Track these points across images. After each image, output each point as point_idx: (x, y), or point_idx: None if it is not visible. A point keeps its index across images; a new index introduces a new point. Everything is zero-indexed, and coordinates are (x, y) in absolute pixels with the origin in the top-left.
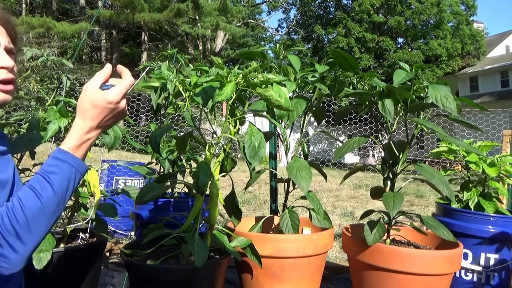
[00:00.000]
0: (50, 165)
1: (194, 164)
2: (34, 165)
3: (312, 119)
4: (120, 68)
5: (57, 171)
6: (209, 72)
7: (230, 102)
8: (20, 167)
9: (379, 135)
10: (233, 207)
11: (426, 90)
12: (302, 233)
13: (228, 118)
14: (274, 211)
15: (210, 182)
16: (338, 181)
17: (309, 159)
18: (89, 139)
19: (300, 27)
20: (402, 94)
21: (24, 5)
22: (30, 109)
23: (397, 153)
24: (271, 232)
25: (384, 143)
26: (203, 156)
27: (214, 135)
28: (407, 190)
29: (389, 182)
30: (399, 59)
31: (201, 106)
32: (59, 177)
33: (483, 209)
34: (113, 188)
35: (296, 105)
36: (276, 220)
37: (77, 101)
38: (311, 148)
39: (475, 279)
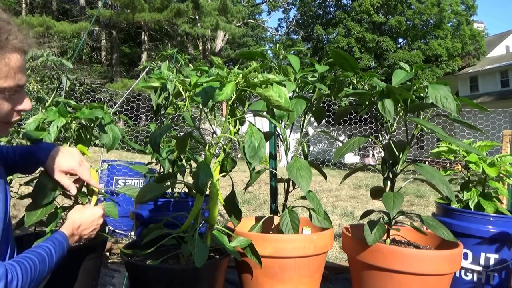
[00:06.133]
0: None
1: (194, 164)
2: None
3: (312, 119)
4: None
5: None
6: (209, 72)
7: (230, 102)
8: None
9: (379, 135)
10: (233, 207)
11: (426, 90)
12: (302, 233)
13: (228, 118)
14: (274, 211)
15: (210, 182)
16: (338, 181)
17: (309, 159)
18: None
19: (300, 27)
20: (402, 94)
21: (24, 5)
22: None
23: (397, 153)
24: (271, 232)
25: (384, 143)
26: (203, 156)
27: (214, 135)
28: (407, 190)
29: (389, 182)
30: (399, 59)
31: (201, 106)
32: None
33: (483, 209)
34: (113, 188)
35: (296, 105)
36: (276, 220)
37: (76, 101)
38: (311, 148)
39: (475, 279)
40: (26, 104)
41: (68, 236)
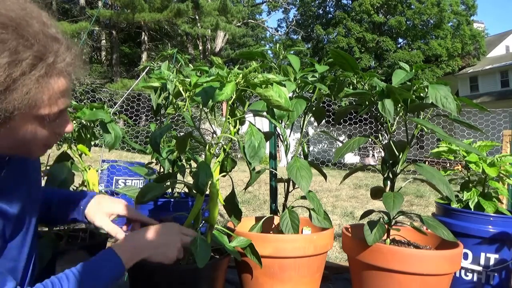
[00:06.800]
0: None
1: (194, 164)
2: None
3: (312, 119)
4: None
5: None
6: (209, 72)
7: (230, 102)
8: None
9: (379, 135)
10: (233, 207)
11: (426, 90)
12: (302, 233)
13: (228, 118)
14: (274, 211)
15: (210, 182)
16: (338, 181)
17: (309, 159)
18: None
19: (300, 27)
20: (402, 94)
21: None
22: None
23: (397, 153)
24: (271, 232)
25: (384, 143)
26: (203, 156)
27: (214, 135)
28: (407, 190)
29: (389, 182)
30: (399, 59)
31: (201, 106)
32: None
33: (483, 209)
34: (113, 188)
35: (296, 105)
36: (276, 220)
37: (76, 101)
38: (311, 148)
39: (475, 279)
40: (68, 127)
41: (120, 253)
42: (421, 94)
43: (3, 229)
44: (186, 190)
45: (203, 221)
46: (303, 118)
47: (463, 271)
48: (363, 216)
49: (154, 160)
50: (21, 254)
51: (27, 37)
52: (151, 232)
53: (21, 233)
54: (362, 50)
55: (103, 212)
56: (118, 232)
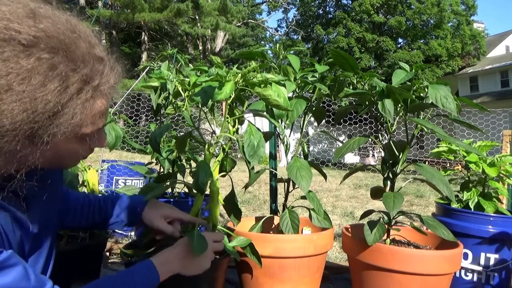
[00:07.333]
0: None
1: (194, 164)
2: None
3: (312, 119)
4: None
5: None
6: (209, 72)
7: (229, 102)
8: None
9: (379, 135)
10: (232, 207)
11: (426, 90)
12: (302, 233)
13: (227, 118)
14: (274, 211)
15: (210, 181)
16: (338, 181)
17: (309, 159)
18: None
19: (300, 27)
20: (402, 94)
21: None
22: None
23: (397, 153)
24: (271, 232)
25: (384, 143)
26: (203, 156)
27: (214, 135)
28: (407, 190)
29: (389, 182)
30: (399, 59)
31: (200, 106)
32: None
33: (483, 209)
34: (113, 188)
35: (296, 105)
36: (276, 220)
37: None
38: (311, 148)
39: (475, 279)
40: (103, 143)
41: (157, 264)
42: (421, 94)
43: (21, 241)
44: (186, 190)
45: None
46: (303, 118)
47: (463, 271)
48: (363, 216)
49: (154, 160)
50: (36, 265)
51: (75, 61)
52: (185, 247)
53: (38, 244)
54: (362, 50)
55: (160, 215)
56: (175, 232)
